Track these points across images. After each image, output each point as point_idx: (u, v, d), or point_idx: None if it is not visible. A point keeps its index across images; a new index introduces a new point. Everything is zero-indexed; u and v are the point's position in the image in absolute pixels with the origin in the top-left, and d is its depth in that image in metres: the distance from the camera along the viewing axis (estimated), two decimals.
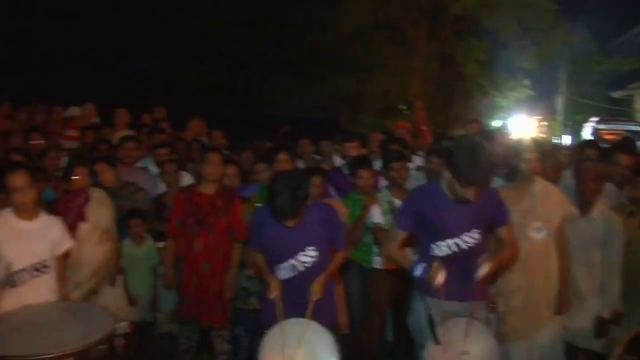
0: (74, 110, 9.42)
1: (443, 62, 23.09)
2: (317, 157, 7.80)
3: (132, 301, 5.76)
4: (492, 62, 22.22)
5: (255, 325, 5.63)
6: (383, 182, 6.08)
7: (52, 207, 4.97)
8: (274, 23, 22.50)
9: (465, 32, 22.25)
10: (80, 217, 5.20)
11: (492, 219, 4.18)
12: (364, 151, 7.00)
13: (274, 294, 4.12)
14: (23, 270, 4.00)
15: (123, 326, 5.52)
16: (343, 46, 22.04)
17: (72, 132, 8.37)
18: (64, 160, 6.52)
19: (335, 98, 23.22)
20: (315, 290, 4.11)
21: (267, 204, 4.06)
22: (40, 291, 4.07)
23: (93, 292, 5.26)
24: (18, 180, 3.98)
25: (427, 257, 4.13)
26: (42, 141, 7.01)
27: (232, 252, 5.46)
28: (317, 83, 23.08)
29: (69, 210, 5.18)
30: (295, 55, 22.69)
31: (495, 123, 23.36)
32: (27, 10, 20.99)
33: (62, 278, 4.33)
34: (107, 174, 5.86)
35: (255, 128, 10.91)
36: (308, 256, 4.19)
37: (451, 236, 4.08)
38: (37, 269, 4.05)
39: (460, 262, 4.07)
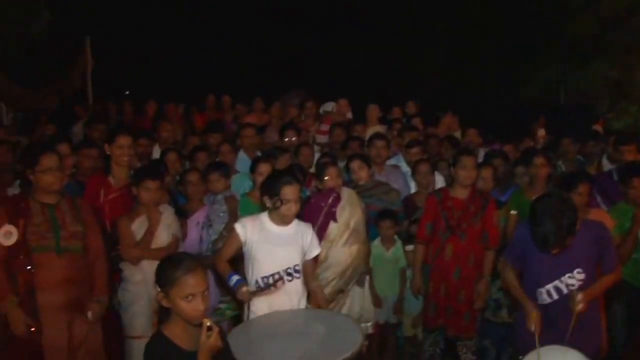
0: (328, 106, 9.55)
1: None
2: (580, 158, 7.09)
3: (378, 302, 5.66)
4: None
5: (504, 339, 5.31)
6: None
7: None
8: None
9: None
10: (331, 216, 5.19)
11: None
12: None
13: (532, 326, 3.81)
14: (276, 273, 4.03)
15: (367, 327, 5.46)
16: (604, 30, 20.19)
17: (326, 127, 8.46)
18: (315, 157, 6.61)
19: (595, 84, 21.34)
20: (581, 300, 3.75)
21: (528, 223, 3.71)
22: (290, 296, 4.09)
23: (340, 291, 5.22)
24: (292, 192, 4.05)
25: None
26: (296, 137, 7.14)
27: (485, 261, 5.16)
28: (577, 69, 21.40)
29: (320, 210, 5.19)
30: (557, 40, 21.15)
31: None
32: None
33: (312, 278, 4.33)
34: (361, 172, 5.79)
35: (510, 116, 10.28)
36: (574, 279, 3.75)
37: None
38: (288, 274, 4.05)
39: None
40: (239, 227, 4.13)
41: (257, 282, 4.05)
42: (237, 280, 3.94)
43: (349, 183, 5.77)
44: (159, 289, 2.87)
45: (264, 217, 4.17)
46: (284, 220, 4.12)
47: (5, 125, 10.77)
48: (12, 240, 4.16)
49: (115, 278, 4.83)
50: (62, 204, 4.34)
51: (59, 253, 4.20)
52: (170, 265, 2.85)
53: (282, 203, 4.02)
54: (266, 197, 4.11)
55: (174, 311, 2.86)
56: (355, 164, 5.84)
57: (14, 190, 5.21)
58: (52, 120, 11.05)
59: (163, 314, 2.98)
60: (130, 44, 19.78)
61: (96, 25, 15.17)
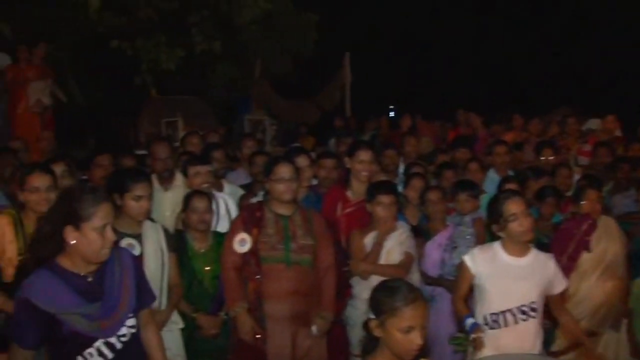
0: (592, 123, 8.65)
1: None
2: None
3: (637, 352, 4.80)
4: None
5: None
6: None
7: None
8: None
9: None
10: (584, 245, 4.56)
11: None
12: None
13: None
14: (507, 311, 3.57)
15: None
16: None
17: (589, 148, 7.61)
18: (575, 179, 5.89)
19: None
20: None
21: None
22: (523, 337, 3.58)
23: (591, 334, 4.52)
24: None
25: None
26: (553, 156, 6.45)
27: None
28: None
29: (571, 237, 4.60)
30: None
31: None
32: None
33: (563, 311, 3.81)
34: None
35: None
36: None
37: None
38: (523, 312, 3.55)
39: None
40: (468, 259, 3.76)
41: (485, 318, 3.64)
42: (472, 324, 3.58)
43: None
44: (372, 317, 2.58)
45: (497, 246, 3.72)
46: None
47: (270, 136, 11.34)
48: (245, 248, 4.19)
49: (346, 294, 4.65)
50: (296, 216, 4.29)
51: (288, 265, 4.15)
52: (389, 293, 2.58)
53: (509, 221, 3.56)
54: (494, 226, 3.70)
55: (385, 342, 2.58)
56: None
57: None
58: (312, 133, 11.48)
59: (368, 343, 2.67)
60: (389, 59, 20.03)
61: (356, 42, 15.53)
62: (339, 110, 12.28)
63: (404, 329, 2.51)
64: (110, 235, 2.74)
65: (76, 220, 2.68)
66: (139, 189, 3.85)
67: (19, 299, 2.70)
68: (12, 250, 3.61)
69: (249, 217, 4.26)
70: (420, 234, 5.03)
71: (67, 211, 2.70)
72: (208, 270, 4.39)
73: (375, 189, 4.62)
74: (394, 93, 19.57)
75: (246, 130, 11.31)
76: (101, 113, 14.42)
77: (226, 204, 5.02)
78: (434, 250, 5.04)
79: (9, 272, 3.52)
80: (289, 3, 14.05)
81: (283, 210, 4.25)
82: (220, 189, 5.35)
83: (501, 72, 20.78)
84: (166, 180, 5.12)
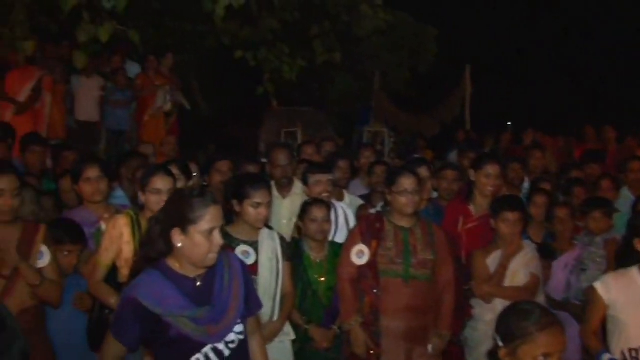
0: None
1: None
2: None
3: None
4: None
5: None
6: None
7: None
8: None
9: None
10: None
11: None
12: None
13: None
14: None
15: None
16: None
17: None
18: None
19: None
20: None
21: None
22: None
23: None
24: None
25: None
26: None
27: None
28: None
29: None
30: None
31: None
32: None
33: None
34: None
35: None
36: None
37: None
38: None
39: None
40: (600, 286, 3.43)
41: (623, 354, 3.29)
42: None
43: None
44: (500, 343, 2.34)
45: (635, 272, 3.38)
46: None
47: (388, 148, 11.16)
48: (363, 260, 4.06)
49: (465, 313, 4.39)
50: (416, 229, 4.12)
51: (406, 280, 3.98)
52: (522, 317, 2.33)
53: None
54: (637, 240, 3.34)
55: None
56: None
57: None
58: (431, 146, 11.21)
59: None
60: (511, 72, 19.36)
61: (477, 54, 15.09)
62: (458, 123, 11.95)
63: (539, 357, 2.26)
64: (217, 239, 2.63)
65: (183, 223, 2.60)
66: (258, 196, 3.76)
67: (125, 297, 2.65)
68: (128, 251, 3.63)
69: (368, 229, 4.12)
70: (545, 253, 4.69)
71: (175, 213, 2.64)
72: (323, 281, 4.26)
73: (500, 205, 4.33)
74: (512, 107, 18.83)
75: (365, 141, 11.21)
76: (223, 121, 14.93)
77: (345, 214, 4.88)
78: (559, 271, 4.71)
79: (125, 273, 3.53)
80: (408, 16, 13.86)
81: (404, 222, 4.09)
82: (340, 198, 5.23)
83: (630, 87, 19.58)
84: (284, 188, 5.05)
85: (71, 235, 3.66)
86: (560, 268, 4.70)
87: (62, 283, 3.54)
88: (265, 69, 9.65)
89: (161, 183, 3.74)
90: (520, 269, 4.25)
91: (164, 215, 2.71)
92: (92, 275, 3.69)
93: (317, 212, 4.26)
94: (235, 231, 3.88)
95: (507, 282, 4.23)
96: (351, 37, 11.26)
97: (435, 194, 5.24)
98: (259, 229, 3.91)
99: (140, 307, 2.57)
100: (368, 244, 4.04)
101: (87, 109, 8.56)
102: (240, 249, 3.81)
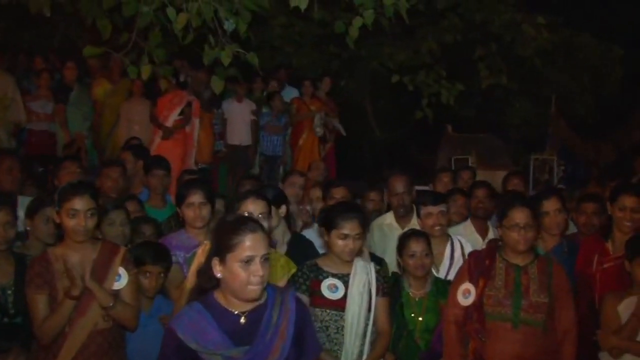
0: None
1: None
2: None
3: None
4: None
5: None
6: None
7: None
8: None
9: None
10: None
11: None
12: None
13: None
14: None
15: None
16: None
17: None
18: None
19: None
20: None
21: None
22: None
23: None
24: None
25: None
26: None
27: None
28: None
29: None
30: None
31: None
32: None
33: None
34: None
35: None
36: None
37: None
38: None
39: None
40: None
41: None
42: None
43: None
44: None
45: None
46: None
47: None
48: (469, 300, 3.55)
49: None
50: (531, 268, 3.53)
51: (515, 325, 3.41)
52: None
53: None
54: None
55: None
56: None
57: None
58: (605, 175, 10.07)
59: None
60: None
61: None
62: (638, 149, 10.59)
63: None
64: (256, 269, 2.38)
65: (222, 251, 2.40)
66: (347, 227, 3.41)
67: (168, 328, 2.50)
68: None
69: (476, 265, 3.59)
70: None
71: (216, 241, 2.46)
72: (420, 320, 3.78)
73: (635, 245, 3.59)
74: None
75: (531, 170, 10.34)
76: (398, 146, 14.68)
77: (462, 247, 4.34)
78: None
79: None
80: (591, 37, 12.74)
81: (517, 259, 3.52)
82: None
83: None
84: (403, 218, 4.63)
85: (151, 256, 3.55)
86: None
87: (141, 305, 3.44)
88: (423, 93, 9.23)
89: (252, 207, 3.53)
90: None
91: (211, 243, 2.54)
92: (178, 299, 3.53)
93: (415, 246, 3.81)
94: (324, 263, 3.56)
95: None
96: (514, 57, 10.49)
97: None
98: (350, 261, 3.53)
99: (178, 341, 2.41)
100: (475, 283, 3.53)
101: (238, 133, 8.48)
102: (326, 283, 3.49)
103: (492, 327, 3.43)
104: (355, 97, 12.88)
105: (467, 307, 3.51)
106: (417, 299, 3.83)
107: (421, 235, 3.89)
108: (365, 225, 3.58)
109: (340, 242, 3.42)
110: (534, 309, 3.41)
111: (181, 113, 7.56)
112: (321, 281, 3.46)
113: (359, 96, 12.94)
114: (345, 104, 13.16)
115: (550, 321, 3.45)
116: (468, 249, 4.32)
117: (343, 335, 3.42)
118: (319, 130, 8.83)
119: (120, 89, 8.19)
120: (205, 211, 3.91)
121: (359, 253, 3.59)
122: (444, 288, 3.83)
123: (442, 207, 4.27)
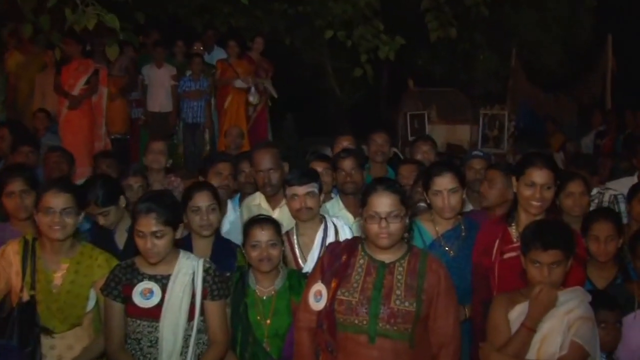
0: None
1: None
2: None
3: None
4: None
5: None
6: None
7: None
8: None
9: None
10: None
11: None
12: None
13: None
14: None
15: None
16: None
17: None
18: None
19: None
20: None
21: None
22: None
23: None
24: None
25: None
26: None
27: None
28: None
29: None
30: None
31: None
32: None
33: None
34: None
35: None
36: None
37: None
38: None
39: None
40: None
41: None
42: None
43: None
44: None
45: None
46: None
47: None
48: (320, 304, 2.72)
49: None
50: (400, 266, 2.70)
51: (371, 339, 2.60)
52: None
53: None
54: None
55: None
56: None
57: None
58: (563, 129, 9.38)
59: None
60: None
61: (621, 23, 12.50)
62: (598, 104, 9.78)
63: None
64: None
65: None
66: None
67: None
68: (17, 284, 3.03)
69: (331, 262, 2.76)
70: (610, 304, 3.01)
71: None
72: (268, 324, 2.99)
73: (534, 234, 2.75)
74: None
75: (481, 126, 9.53)
76: (365, 105, 14.15)
77: (337, 232, 3.49)
78: (635, 331, 3.02)
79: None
80: None
81: (383, 255, 2.70)
82: None
83: None
84: (273, 198, 3.82)
85: None
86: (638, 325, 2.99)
87: None
88: (361, 49, 8.33)
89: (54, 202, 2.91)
90: (556, 333, 2.65)
91: None
92: None
93: (259, 235, 2.99)
94: (142, 263, 2.83)
95: (534, 353, 2.65)
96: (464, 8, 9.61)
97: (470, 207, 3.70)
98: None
99: None
100: (327, 284, 2.71)
101: (158, 99, 7.94)
102: (140, 287, 2.77)
103: (344, 340, 2.63)
104: (313, 57, 12.22)
105: (319, 312, 2.72)
106: (264, 298, 3.03)
107: (267, 221, 3.06)
108: None
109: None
110: (395, 319, 2.59)
111: (87, 82, 7.03)
112: (134, 285, 2.75)
113: (317, 56, 12.23)
114: (306, 65, 12.57)
115: (423, 333, 2.66)
116: (345, 234, 3.48)
117: (158, 349, 2.73)
118: (254, 99, 8.15)
119: (33, 61, 7.70)
120: (29, 200, 3.31)
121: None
122: (299, 284, 3.04)
123: (310, 187, 3.41)
